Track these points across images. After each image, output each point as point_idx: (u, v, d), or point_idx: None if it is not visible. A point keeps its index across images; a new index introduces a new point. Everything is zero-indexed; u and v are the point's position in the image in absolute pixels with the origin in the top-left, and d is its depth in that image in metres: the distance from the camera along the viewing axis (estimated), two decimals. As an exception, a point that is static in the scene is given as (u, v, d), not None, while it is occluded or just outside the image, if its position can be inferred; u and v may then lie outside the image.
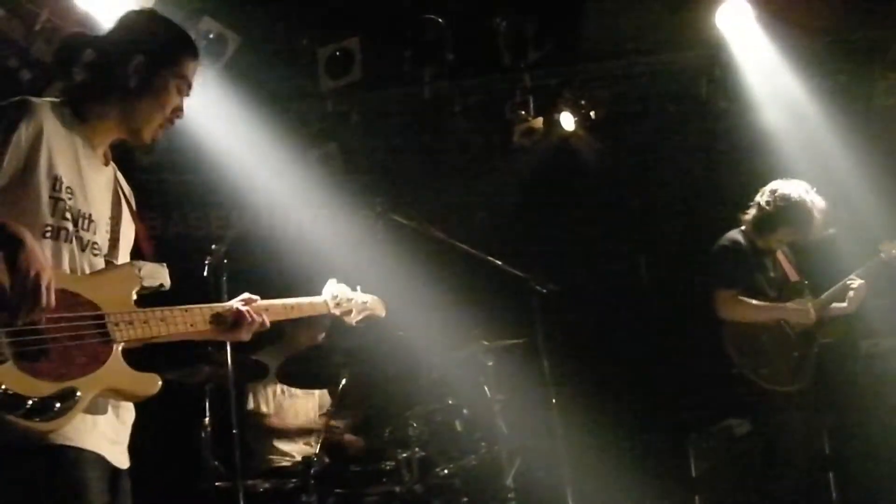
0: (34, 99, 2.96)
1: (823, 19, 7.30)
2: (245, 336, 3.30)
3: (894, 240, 6.29)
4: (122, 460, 3.00)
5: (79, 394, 2.69)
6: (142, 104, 3.07)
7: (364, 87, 7.70)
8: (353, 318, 3.79)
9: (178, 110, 3.15)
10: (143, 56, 3.05)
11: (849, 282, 6.23)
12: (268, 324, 3.34)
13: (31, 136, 2.85)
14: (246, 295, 3.35)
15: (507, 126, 8.28)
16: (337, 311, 3.71)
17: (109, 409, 2.93)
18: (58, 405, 2.64)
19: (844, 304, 6.24)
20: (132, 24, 3.16)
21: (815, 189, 6.17)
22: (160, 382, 2.94)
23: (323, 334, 6.75)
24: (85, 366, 2.75)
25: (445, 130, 8.31)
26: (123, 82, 3.04)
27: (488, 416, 6.31)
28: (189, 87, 3.17)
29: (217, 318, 3.21)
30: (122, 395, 2.90)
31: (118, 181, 3.23)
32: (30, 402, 2.59)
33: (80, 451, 2.77)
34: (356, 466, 6.13)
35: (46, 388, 2.64)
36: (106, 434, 2.90)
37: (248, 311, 3.26)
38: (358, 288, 3.84)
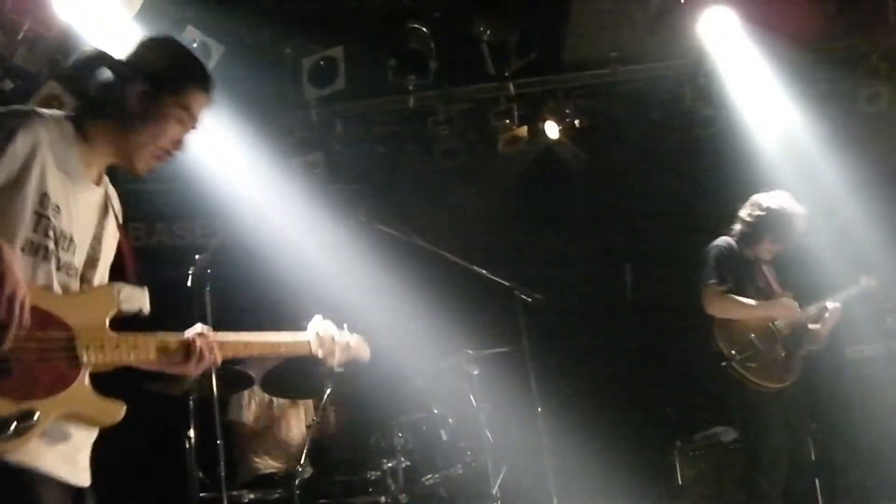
0: (40, 110, 2.91)
1: (806, 27, 7.33)
2: (193, 371, 3.15)
3: (873, 277, 6.51)
4: (82, 478, 2.93)
5: (38, 415, 2.63)
6: (137, 130, 3.00)
7: (348, 97, 7.70)
8: (336, 362, 3.68)
9: (177, 143, 3.07)
10: (146, 82, 2.99)
11: (827, 303, 6.33)
12: (219, 362, 3.20)
13: (27, 149, 2.80)
14: (199, 326, 3.19)
15: (491, 135, 8.29)
16: (319, 354, 3.59)
17: (68, 426, 2.85)
18: (14, 425, 2.58)
19: (818, 326, 6.31)
20: (146, 49, 3.09)
21: (795, 197, 6.27)
22: (124, 410, 2.88)
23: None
24: (49, 387, 2.69)
25: (429, 139, 8.31)
26: (123, 106, 2.98)
27: (474, 424, 6.30)
28: (192, 119, 3.07)
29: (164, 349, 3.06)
30: (84, 420, 2.84)
31: (108, 199, 3.17)
32: None
33: (35, 474, 2.71)
34: (341, 476, 6.10)
35: (5, 407, 2.58)
36: (64, 454, 2.83)
37: (200, 346, 3.11)
38: (345, 326, 3.75)
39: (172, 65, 3.08)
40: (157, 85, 3.01)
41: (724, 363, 6.02)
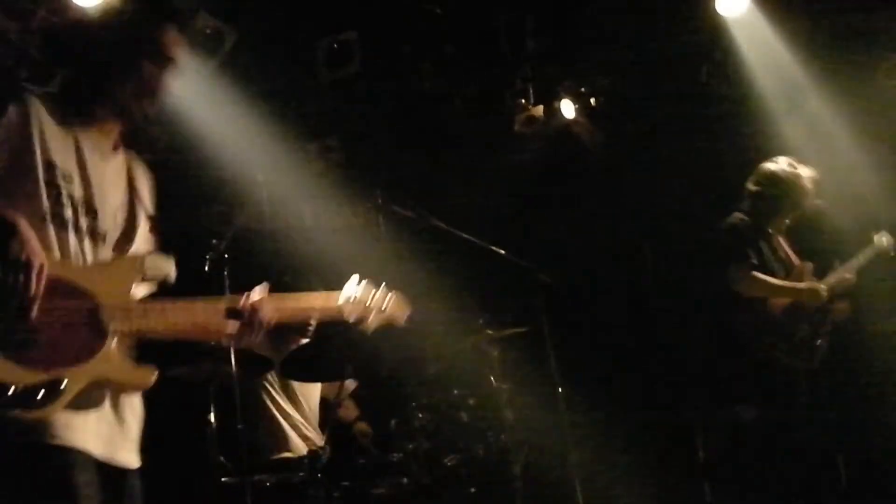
0: (25, 85, 2.92)
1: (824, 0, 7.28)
2: (254, 339, 3.12)
3: (885, 233, 6.44)
4: (126, 459, 2.93)
5: (65, 383, 2.63)
6: (121, 83, 3.00)
7: (363, 80, 7.68)
8: (370, 326, 3.52)
9: (160, 84, 3.06)
10: (120, 33, 3.00)
11: (846, 275, 6.32)
12: (273, 323, 3.14)
13: (20, 120, 2.80)
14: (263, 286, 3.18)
15: (507, 115, 8.26)
16: (351, 319, 3.46)
17: (107, 406, 2.86)
18: (42, 394, 2.59)
19: (848, 276, 6.27)
20: (109, 13, 3.10)
21: (799, 159, 6.23)
22: (156, 374, 2.88)
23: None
24: (75, 356, 2.70)
25: (445, 121, 8.29)
26: (104, 63, 2.99)
27: (494, 405, 6.31)
28: (170, 58, 3.07)
29: (230, 314, 3.07)
30: (114, 386, 2.85)
31: (132, 168, 3.20)
32: (12, 390, 2.55)
33: (70, 452, 2.71)
34: (363, 459, 6.11)
35: (32, 377, 2.59)
36: (101, 432, 2.83)
37: (260, 307, 3.09)
38: (382, 285, 3.60)
39: (143, 8, 3.08)
40: (130, 33, 3.01)
41: (748, 344, 6.01)
